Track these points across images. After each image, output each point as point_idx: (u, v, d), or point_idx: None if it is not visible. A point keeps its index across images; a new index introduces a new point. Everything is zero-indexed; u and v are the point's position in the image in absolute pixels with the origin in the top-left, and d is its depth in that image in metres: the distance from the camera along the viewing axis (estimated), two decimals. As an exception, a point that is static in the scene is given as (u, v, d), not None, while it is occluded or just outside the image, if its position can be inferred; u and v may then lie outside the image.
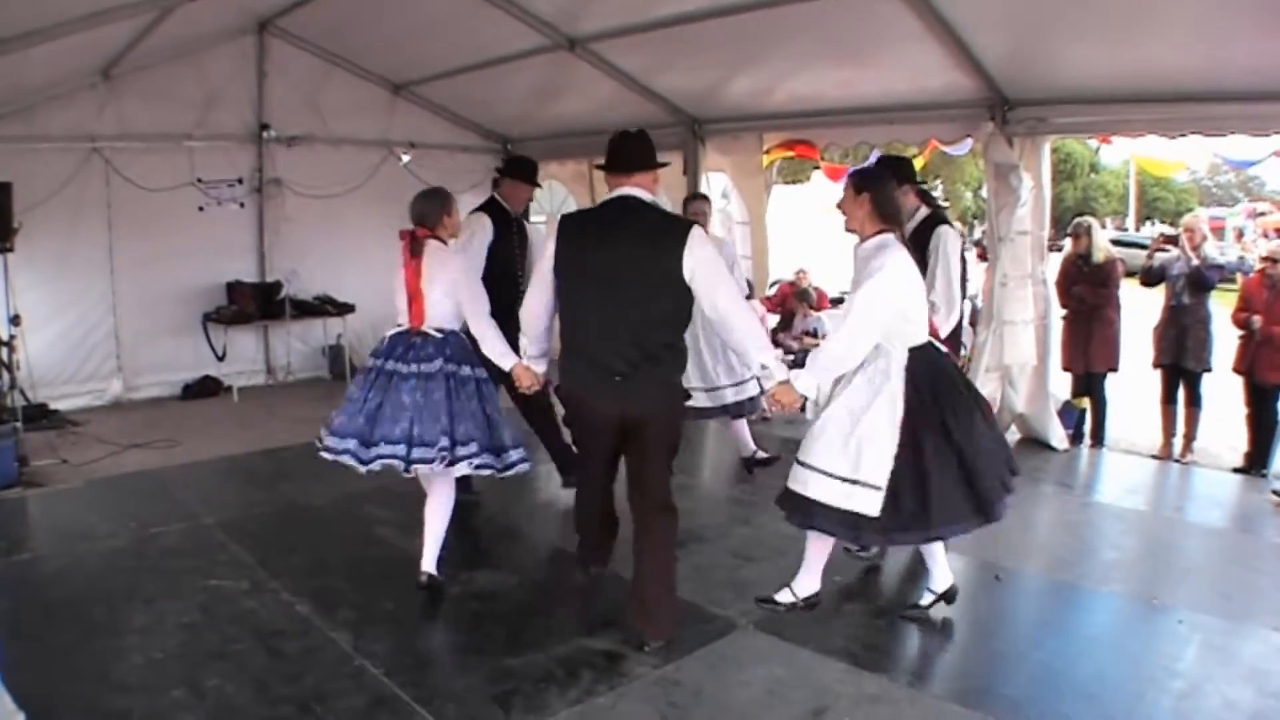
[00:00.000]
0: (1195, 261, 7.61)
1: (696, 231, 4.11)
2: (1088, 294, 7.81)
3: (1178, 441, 7.85)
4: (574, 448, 4.87)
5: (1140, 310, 8.06)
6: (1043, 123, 7.37)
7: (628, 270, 4.09)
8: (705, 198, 7.47)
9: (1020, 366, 7.73)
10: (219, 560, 5.35)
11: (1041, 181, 7.57)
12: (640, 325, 4.13)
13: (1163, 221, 38.88)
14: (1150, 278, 7.97)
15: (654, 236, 4.13)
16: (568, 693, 3.98)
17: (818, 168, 14.59)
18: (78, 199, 8.72)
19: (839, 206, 4.53)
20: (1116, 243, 11.62)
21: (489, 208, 6.26)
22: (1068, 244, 8.28)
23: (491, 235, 6.15)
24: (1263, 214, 35.00)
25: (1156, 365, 7.90)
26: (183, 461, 7.35)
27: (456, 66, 9.43)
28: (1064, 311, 8.01)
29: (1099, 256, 7.88)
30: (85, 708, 3.80)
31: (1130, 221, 37.59)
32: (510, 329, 4.81)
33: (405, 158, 10.91)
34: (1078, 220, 8.28)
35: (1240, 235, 33.71)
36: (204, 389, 9.67)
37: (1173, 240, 8.04)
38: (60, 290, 8.75)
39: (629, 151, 4.27)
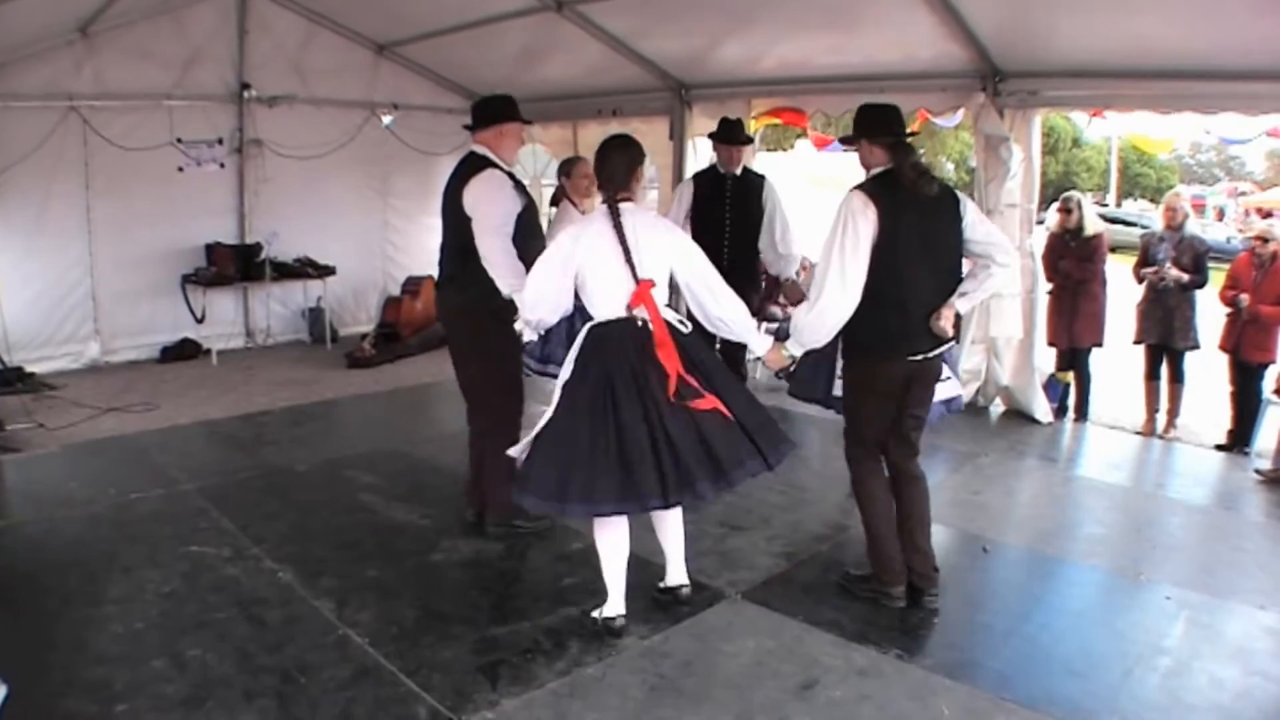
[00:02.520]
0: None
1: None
2: (1074, 268, 7.79)
3: (1161, 417, 7.86)
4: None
5: (1125, 285, 8.04)
6: (1034, 95, 7.35)
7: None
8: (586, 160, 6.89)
9: (1006, 340, 7.74)
10: (199, 527, 5.29)
11: (1031, 154, 7.54)
12: None
13: (1143, 197, 39.05)
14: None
15: None
16: (555, 663, 3.96)
17: (802, 135, 14.48)
18: (54, 159, 8.57)
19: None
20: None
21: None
22: (1052, 218, 8.25)
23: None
24: (1244, 193, 35.16)
25: (1139, 343, 7.89)
26: (161, 426, 7.27)
27: (442, 27, 9.30)
28: (1049, 286, 7.98)
29: (1090, 230, 7.86)
30: (64, 679, 3.75)
31: (1111, 197, 37.64)
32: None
33: (388, 119, 10.79)
34: (1067, 194, 8.23)
35: (1221, 214, 33.86)
36: (183, 352, 9.57)
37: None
38: (36, 251, 8.62)
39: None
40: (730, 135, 6.52)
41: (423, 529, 5.36)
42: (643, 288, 4.05)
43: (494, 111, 5.10)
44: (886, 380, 4.37)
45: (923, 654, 4.11)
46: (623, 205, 4.15)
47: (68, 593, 4.46)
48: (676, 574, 4.49)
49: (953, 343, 4.45)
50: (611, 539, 4.21)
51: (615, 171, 4.23)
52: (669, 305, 4.19)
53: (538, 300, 4.24)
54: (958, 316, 4.37)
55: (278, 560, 4.86)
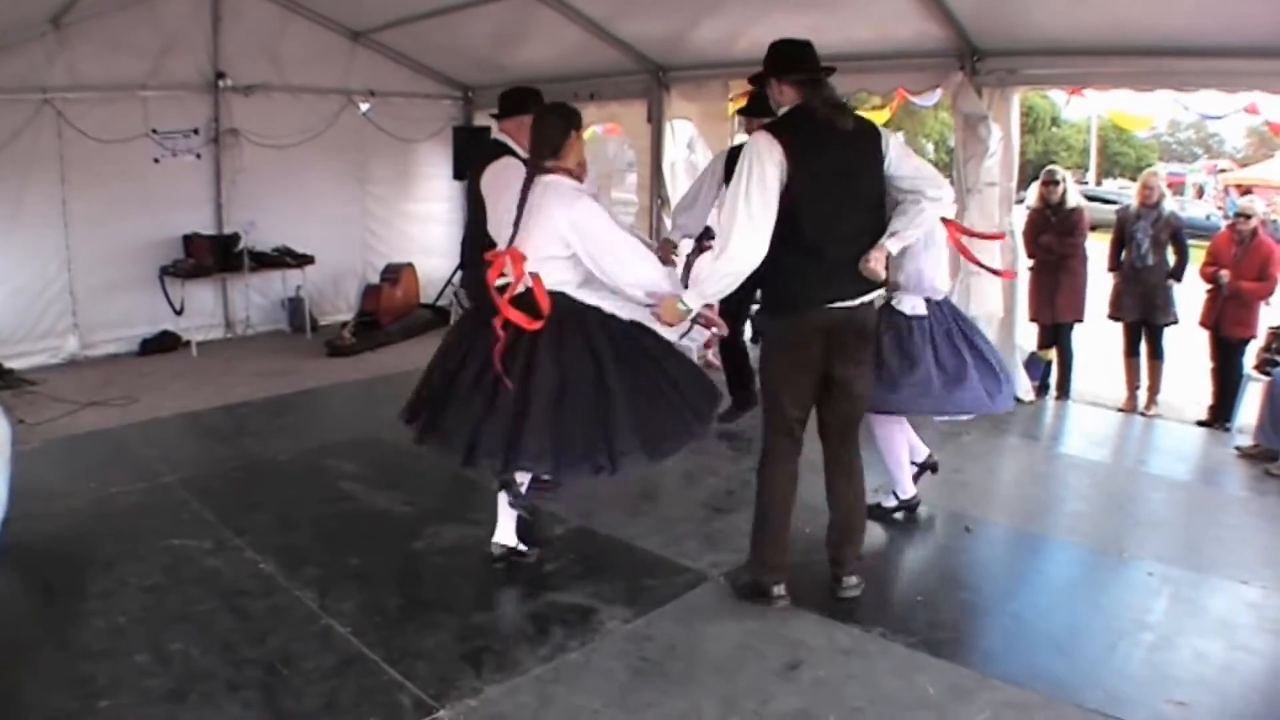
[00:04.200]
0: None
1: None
2: (1054, 244, 7.80)
3: (1142, 394, 7.89)
4: None
5: (1102, 261, 8.06)
6: (1013, 74, 7.33)
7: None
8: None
9: (987, 318, 7.74)
10: (181, 520, 5.25)
11: (1011, 133, 7.53)
12: None
13: (1123, 176, 39.13)
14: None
15: None
16: (539, 649, 3.96)
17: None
18: (29, 152, 8.45)
19: None
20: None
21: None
22: (1032, 196, 8.26)
23: None
24: (1223, 171, 35.28)
25: (1115, 319, 7.91)
26: (142, 419, 7.22)
27: (417, 12, 9.19)
28: (1030, 262, 8.00)
29: (1071, 204, 7.87)
30: (47, 675, 3.73)
31: (1091, 175, 37.74)
32: None
33: (365, 106, 10.72)
34: (1050, 168, 8.24)
35: (1200, 191, 33.98)
36: (162, 344, 9.49)
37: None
38: (11, 246, 8.51)
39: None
40: (761, 108, 6.56)
41: (405, 516, 5.35)
42: (510, 253, 4.18)
43: (516, 103, 5.25)
44: (807, 334, 4.09)
45: (906, 632, 4.11)
46: (546, 178, 4.23)
47: (50, 588, 4.44)
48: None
49: (882, 289, 4.21)
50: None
51: (547, 133, 4.28)
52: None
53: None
54: (889, 258, 4.10)
55: (260, 551, 4.83)
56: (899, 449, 5.31)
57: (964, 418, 5.47)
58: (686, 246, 6.37)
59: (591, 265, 4.18)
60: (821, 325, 4.08)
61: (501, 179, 4.89)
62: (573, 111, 4.41)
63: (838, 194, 3.98)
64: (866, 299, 4.14)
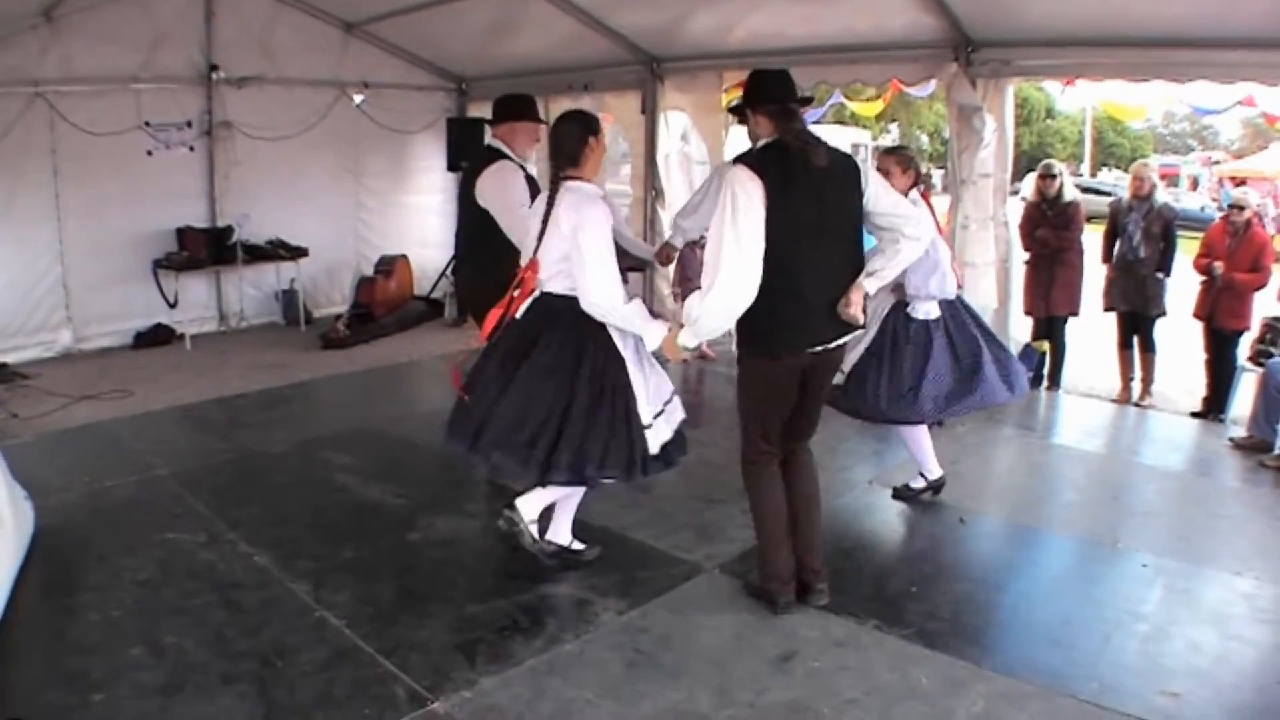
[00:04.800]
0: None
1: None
2: (1050, 237, 7.80)
3: (1136, 385, 7.90)
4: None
5: (1096, 253, 8.06)
6: (1007, 65, 7.33)
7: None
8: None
9: (981, 309, 7.73)
10: (175, 513, 5.24)
11: (1005, 124, 7.52)
12: None
13: (1117, 167, 39.14)
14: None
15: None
16: (533, 641, 3.96)
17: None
18: (21, 145, 8.42)
19: None
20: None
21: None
22: (1027, 189, 8.26)
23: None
24: (1217, 163, 35.28)
25: (1108, 310, 7.92)
26: (136, 412, 7.21)
27: (410, 4, 9.17)
28: (1026, 255, 8.00)
29: (1067, 198, 7.87)
30: (41, 669, 3.73)
31: (1085, 167, 37.76)
32: None
33: (358, 98, 10.69)
34: (1047, 162, 8.25)
35: (1195, 183, 33.97)
36: (156, 337, 9.47)
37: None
38: (4, 240, 8.48)
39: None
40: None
41: (399, 508, 5.34)
42: (530, 267, 4.17)
43: (508, 110, 5.36)
44: (784, 376, 4.07)
45: (901, 624, 4.12)
46: (567, 184, 4.15)
47: (44, 582, 4.42)
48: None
49: (861, 329, 4.17)
50: None
51: (563, 142, 4.19)
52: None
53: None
54: (865, 299, 4.02)
55: (254, 544, 4.82)
56: (921, 435, 5.44)
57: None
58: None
59: (574, 279, 4.07)
60: (799, 368, 4.07)
61: (507, 186, 4.99)
62: (591, 118, 4.33)
63: (814, 231, 3.91)
64: (843, 341, 4.13)
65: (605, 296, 4.00)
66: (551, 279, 4.13)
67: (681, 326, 3.97)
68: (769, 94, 4.01)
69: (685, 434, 4.40)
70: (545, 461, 4.03)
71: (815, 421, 4.36)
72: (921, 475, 5.54)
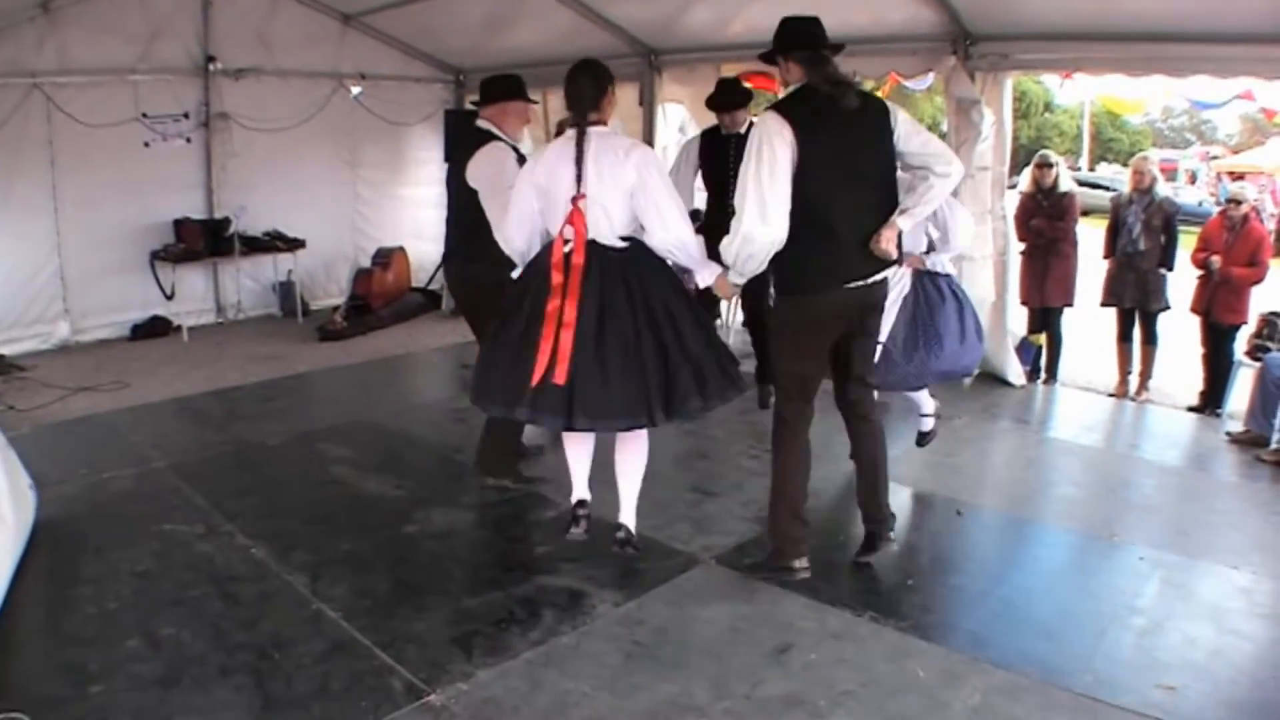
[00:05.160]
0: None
1: None
2: (1045, 227, 7.80)
3: (1134, 379, 7.90)
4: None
5: (1096, 247, 8.06)
6: (1005, 58, 7.32)
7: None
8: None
9: (978, 302, 7.74)
10: (172, 505, 5.24)
11: (1003, 117, 7.52)
12: None
13: (1116, 161, 39.12)
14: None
15: None
16: (529, 633, 3.96)
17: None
18: (18, 137, 8.41)
19: None
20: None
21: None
22: (1023, 181, 8.25)
23: None
24: (1215, 157, 35.26)
25: (1107, 305, 7.92)
26: (133, 404, 7.20)
27: (408, -5, 9.19)
28: (1022, 246, 8.00)
29: (1064, 187, 7.88)
30: (37, 661, 3.74)
31: (1084, 161, 37.73)
32: None
33: (356, 90, 10.68)
34: (1043, 153, 8.26)
35: (1193, 178, 33.97)
36: (153, 329, 9.47)
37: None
38: (1, 232, 8.47)
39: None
40: (725, 101, 6.67)
41: (396, 500, 5.34)
42: (575, 207, 4.07)
43: (497, 90, 5.30)
44: (822, 315, 4.17)
45: (897, 616, 4.12)
46: (591, 129, 4.13)
47: (40, 574, 4.41)
48: (623, 513, 4.53)
49: (895, 265, 4.28)
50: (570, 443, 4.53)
51: (583, 92, 4.19)
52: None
53: (517, 230, 4.35)
54: (899, 236, 4.17)
55: (251, 536, 4.82)
56: None
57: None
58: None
59: (641, 219, 4.11)
60: (835, 305, 4.15)
61: (496, 162, 4.92)
62: (606, 68, 4.33)
63: (847, 172, 4.01)
64: (879, 278, 4.19)
65: (682, 231, 4.12)
66: (611, 226, 4.12)
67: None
68: (799, 41, 4.11)
69: None
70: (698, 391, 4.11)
71: (869, 368, 4.43)
72: (923, 415, 5.75)
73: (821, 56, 4.07)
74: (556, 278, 4.09)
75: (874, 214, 4.09)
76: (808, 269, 4.09)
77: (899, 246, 4.17)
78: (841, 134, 3.99)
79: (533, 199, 4.25)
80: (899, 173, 4.26)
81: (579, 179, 4.06)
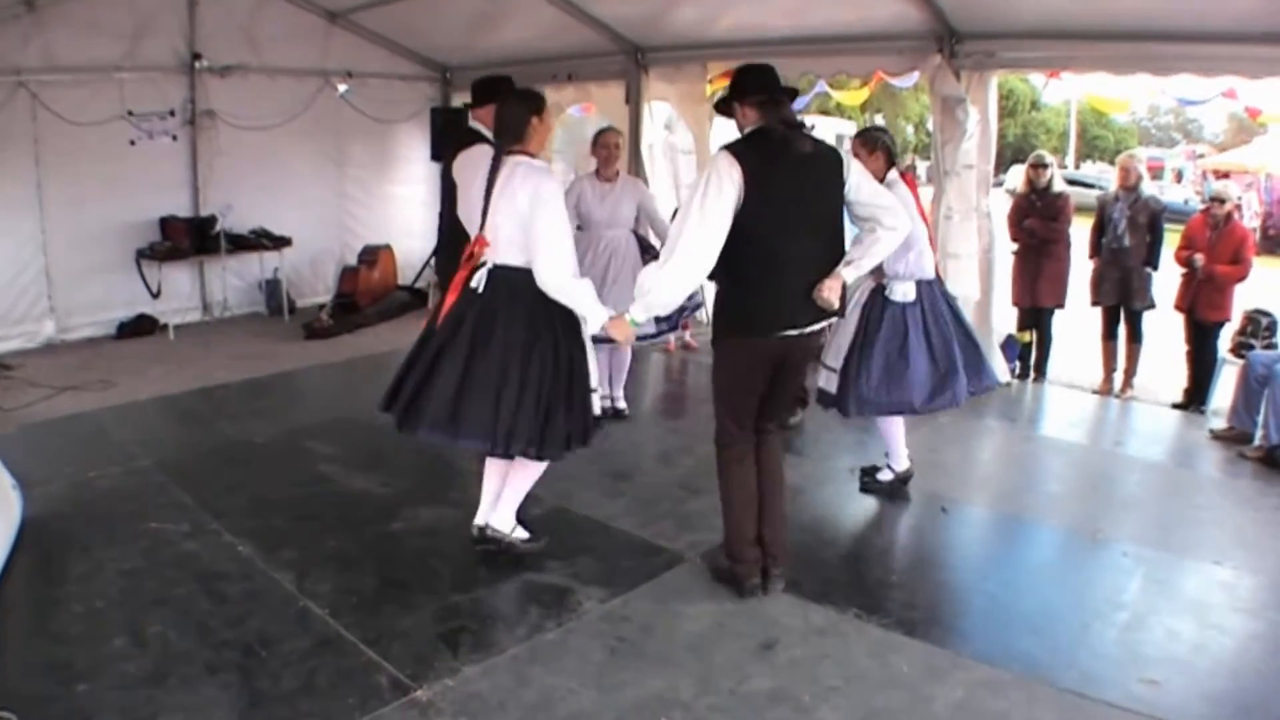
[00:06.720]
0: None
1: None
2: (1038, 227, 7.82)
3: (1118, 377, 7.93)
4: None
5: (1082, 245, 8.09)
6: (991, 57, 7.34)
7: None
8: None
9: (964, 300, 7.76)
10: (159, 503, 5.23)
11: (988, 116, 7.54)
12: None
13: (1102, 160, 39.24)
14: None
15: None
16: (515, 630, 3.98)
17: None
18: (3, 135, 8.35)
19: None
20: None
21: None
22: (1014, 179, 8.29)
23: None
24: (1201, 156, 35.37)
25: (1096, 304, 7.95)
26: (119, 403, 7.17)
27: (394, -7, 9.19)
28: (1014, 246, 8.03)
29: (1057, 188, 7.91)
30: (23, 660, 3.73)
31: (1070, 159, 37.83)
32: None
33: (342, 88, 10.65)
34: (1039, 153, 8.30)
35: (1179, 176, 34.08)
36: (139, 328, 9.43)
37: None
38: (-14, 230, 8.46)
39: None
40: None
41: (382, 498, 5.35)
42: (479, 243, 4.21)
43: (487, 92, 5.27)
44: (759, 358, 4.13)
45: (881, 612, 4.14)
46: (510, 159, 4.19)
47: (26, 573, 4.41)
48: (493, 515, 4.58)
49: (837, 316, 4.23)
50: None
51: (507, 122, 4.25)
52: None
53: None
54: (844, 288, 4.08)
55: (237, 534, 4.82)
56: (896, 424, 5.46)
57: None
58: None
59: (528, 252, 4.11)
60: (772, 352, 4.12)
61: (472, 165, 4.93)
62: (535, 96, 4.37)
63: (794, 217, 3.97)
64: (818, 327, 4.18)
65: (559, 275, 4.07)
66: (505, 252, 4.16)
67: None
68: (755, 86, 4.08)
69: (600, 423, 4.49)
70: (508, 434, 4.12)
71: (786, 406, 4.51)
72: (889, 467, 5.55)
73: (776, 100, 4.05)
74: (451, 298, 4.26)
75: (820, 262, 4.05)
76: (750, 313, 4.06)
77: (841, 298, 4.10)
78: (792, 177, 3.95)
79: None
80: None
81: (484, 212, 4.18)
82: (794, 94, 4.25)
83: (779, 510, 4.38)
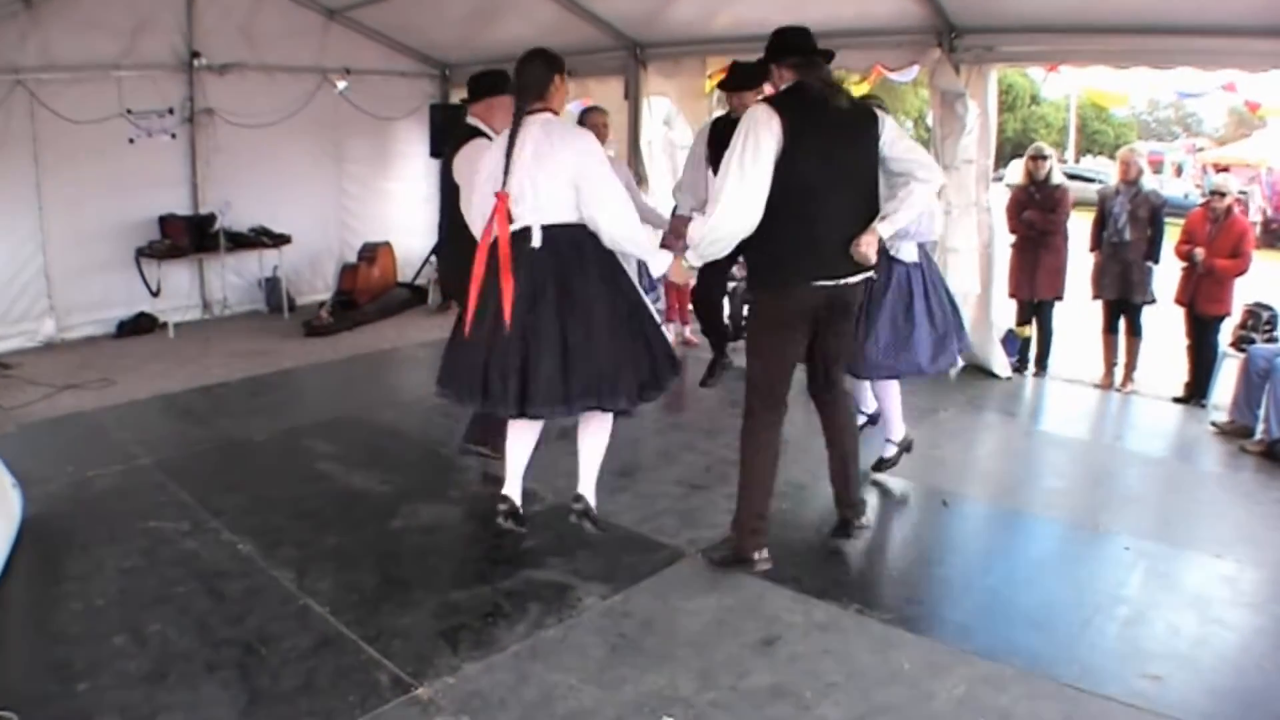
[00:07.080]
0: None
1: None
2: (1037, 219, 7.80)
3: (1119, 371, 7.92)
4: None
5: (1083, 239, 8.08)
6: (990, 51, 7.35)
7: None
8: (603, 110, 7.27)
9: (964, 294, 7.76)
10: (158, 502, 5.22)
11: (988, 110, 7.54)
12: None
13: (1101, 154, 39.21)
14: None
15: None
16: (516, 626, 3.96)
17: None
18: (1, 134, 8.36)
19: None
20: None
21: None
22: (1013, 173, 8.27)
23: None
24: (1201, 150, 35.34)
25: (1097, 298, 7.94)
26: (119, 401, 7.17)
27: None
28: (1013, 239, 8.02)
29: (1056, 180, 7.90)
30: (23, 659, 3.74)
31: (1070, 154, 37.82)
32: None
33: (341, 85, 10.64)
34: (1038, 145, 8.27)
35: (1179, 170, 34.03)
36: (139, 326, 9.43)
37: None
38: (-15, 229, 8.45)
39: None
40: (733, 82, 6.55)
41: (382, 495, 5.34)
42: (499, 201, 4.13)
43: (484, 86, 5.35)
44: (793, 311, 4.18)
45: (882, 608, 4.14)
46: (532, 117, 4.18)
47: (26, 572, 4.40)
48: (583, 484, 4.59)
49: (873, 270, 4.28)
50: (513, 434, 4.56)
51: (529, 80, 4.24)
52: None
53: (481, 223, 4.32)
54: (881, 241, 4.21)
55: (237, 532, 4.82)
56: (894, 391, 5.53)
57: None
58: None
59: (586, 210, 4.13)
60: (809, 302, 4.16)
61: (471, 162, 4.91)
62: (555, 56, 4.35)
63: (831, 171, 4.05)
64: (855, 279, 4.20)
65: (626, 225, 4.16)
66: (553, 211, 4.13)
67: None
68: (792, 47, 4.23)
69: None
70: (612, 390, 4.16)
71: (840, 364, 4.50)
72: (888, 441, 5.60)
73: (814, 60, 4.17)
74: (479, 269, 4.21)
75: (856, 216, 4.12)
76: (784, 263, 4.13)
77: (879, 252, 4.20)
78: (830, 133, 4.04)
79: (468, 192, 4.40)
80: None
81: (506, 170, 4.12)
82: (830, 55, 4.33)
83: (855, 462, 4.64)
